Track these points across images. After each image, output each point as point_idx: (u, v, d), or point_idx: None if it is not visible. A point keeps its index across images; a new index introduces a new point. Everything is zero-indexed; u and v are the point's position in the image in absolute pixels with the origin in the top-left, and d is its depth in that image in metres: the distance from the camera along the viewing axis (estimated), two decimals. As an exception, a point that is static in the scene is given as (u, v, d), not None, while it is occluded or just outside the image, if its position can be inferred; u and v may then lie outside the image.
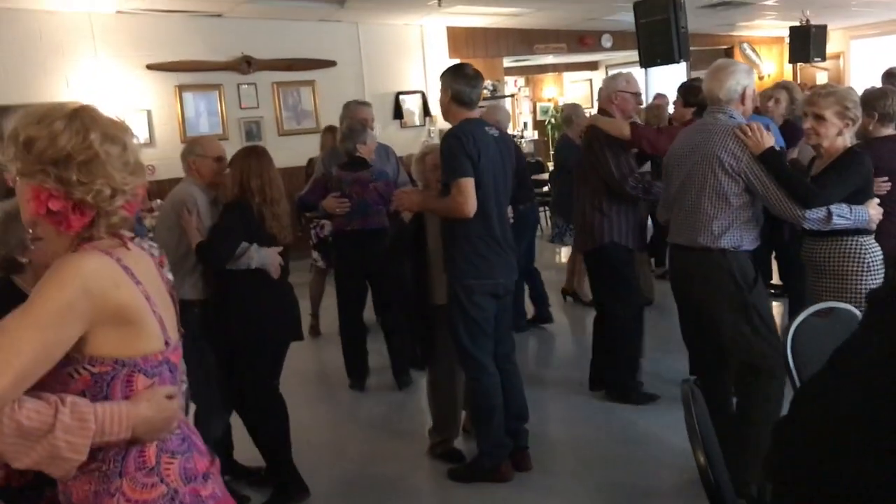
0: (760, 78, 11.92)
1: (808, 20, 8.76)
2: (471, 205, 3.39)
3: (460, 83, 3.50)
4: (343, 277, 5.08)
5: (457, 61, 10.62)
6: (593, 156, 4.35)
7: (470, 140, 3.41)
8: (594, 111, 5.21)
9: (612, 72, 15.38)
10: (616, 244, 4.37)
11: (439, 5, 8.41)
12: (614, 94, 4.41)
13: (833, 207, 3.11)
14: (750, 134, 3.15)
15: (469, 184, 3.38)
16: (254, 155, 3.53)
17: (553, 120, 14.56)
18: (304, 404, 4.55)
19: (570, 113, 6.92)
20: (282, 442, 3.58)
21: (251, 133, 9.13)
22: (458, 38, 10.57)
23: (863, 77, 11.03)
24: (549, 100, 16.54)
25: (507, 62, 11.89)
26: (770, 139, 3.17)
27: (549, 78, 16.45)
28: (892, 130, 3.74)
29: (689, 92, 4.72)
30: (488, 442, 3.68)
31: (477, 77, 3.55)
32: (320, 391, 5.23)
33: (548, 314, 6.26)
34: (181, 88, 8.83)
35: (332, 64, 9.57)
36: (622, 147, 4.30)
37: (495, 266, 3.56)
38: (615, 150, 4.28)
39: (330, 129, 6.29)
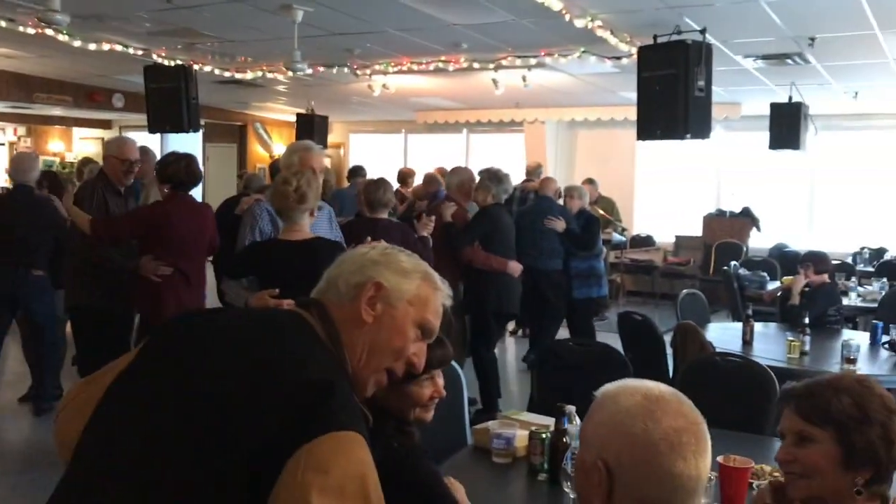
0: (272, 158, 12.56)
1: (313, 110, 9.51)
2: None
3: None
4: None
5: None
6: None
7: None
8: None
9: (126, 132, 14.82)
10: (88, 305, 4.43)
11: None
12: (105, 158, 4.58)
13: None
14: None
15: None
16: None
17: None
18: None
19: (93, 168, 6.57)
20: None
21: None
22: (-66, 68, 9.09)
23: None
24: (56, 154, 15.20)
25: (2, 107, 10.60)
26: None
27: (55, 131, 15.12)
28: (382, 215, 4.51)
29: (159, 168, 4.48)
30: None
31: None
32: None
33: None
34: None
35: None
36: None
37: None
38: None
39: None
